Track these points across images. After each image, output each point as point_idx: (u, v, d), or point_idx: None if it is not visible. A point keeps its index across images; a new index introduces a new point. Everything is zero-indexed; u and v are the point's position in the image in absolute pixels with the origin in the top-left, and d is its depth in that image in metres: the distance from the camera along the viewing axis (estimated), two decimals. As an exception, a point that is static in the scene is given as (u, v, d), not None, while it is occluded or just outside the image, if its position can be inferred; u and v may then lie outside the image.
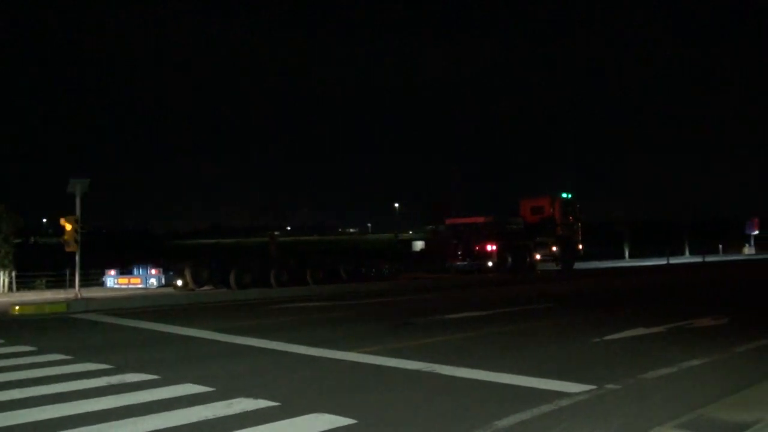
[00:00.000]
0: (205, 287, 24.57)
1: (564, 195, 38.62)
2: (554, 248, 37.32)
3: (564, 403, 7.10)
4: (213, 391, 7.86)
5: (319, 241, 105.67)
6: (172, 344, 12.03)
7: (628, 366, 9.11)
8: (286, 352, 10.79)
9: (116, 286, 26.62)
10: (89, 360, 10.08)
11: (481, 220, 36.13)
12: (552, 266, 37.34)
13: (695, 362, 9.31)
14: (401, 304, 19.82)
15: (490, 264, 34.45)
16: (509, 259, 34.85)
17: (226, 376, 8.86)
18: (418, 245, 38.93)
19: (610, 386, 7.84)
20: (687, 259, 53.90)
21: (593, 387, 7.78)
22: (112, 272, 27.24)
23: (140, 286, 25.91)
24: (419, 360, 9.65)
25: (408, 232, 77.47)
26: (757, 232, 70.22)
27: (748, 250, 68.78)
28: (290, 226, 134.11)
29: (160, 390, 7.96)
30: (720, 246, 67.81)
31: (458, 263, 34.93)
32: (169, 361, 10.20)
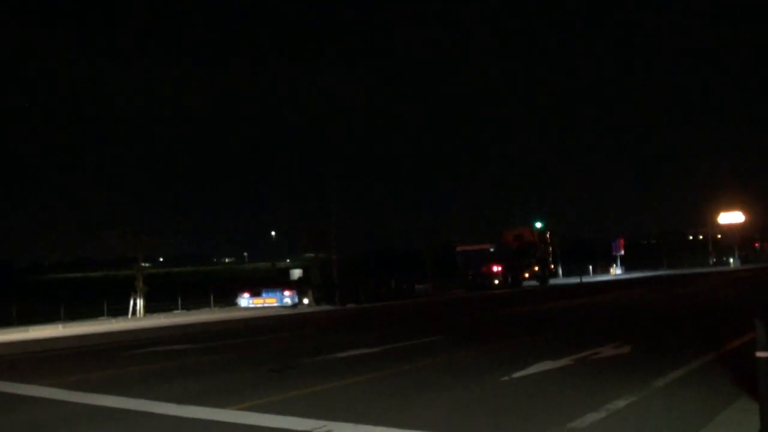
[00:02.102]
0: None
1: (538, 224, 47.72)
2: (536, 268, 45.20)
3: (494, 472, 5.80)
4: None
5: (196, 272, 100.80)
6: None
7: (550, 412, 7.99)
8: (147, 414, 8.92)
9: (251, 305, 29.39)
10: None
11: (487, 246, 43.53)
12: (534, 282, 45.04)
13: (621, 403, 8.32)
14: (282, 342, 18.14)
15: (496, 282, 41.10)
16: (509, 278, 42.23)
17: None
18: (296, 273, 39.03)
19: (541, 443, 6.64)
20: (563, 280, 55.21)
21: (522, 445, 6.56)
22: (246, 294, 29.91)
23: (275, 304, 29.11)
24: (310, 416, 8.09)
25: (285, 261, 75.75)
26: (622, 252, 73.37)
27: (616, 271, 71.79)
28: (162, 257, 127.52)
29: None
30: (590, 267, 70.37)
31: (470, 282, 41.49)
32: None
